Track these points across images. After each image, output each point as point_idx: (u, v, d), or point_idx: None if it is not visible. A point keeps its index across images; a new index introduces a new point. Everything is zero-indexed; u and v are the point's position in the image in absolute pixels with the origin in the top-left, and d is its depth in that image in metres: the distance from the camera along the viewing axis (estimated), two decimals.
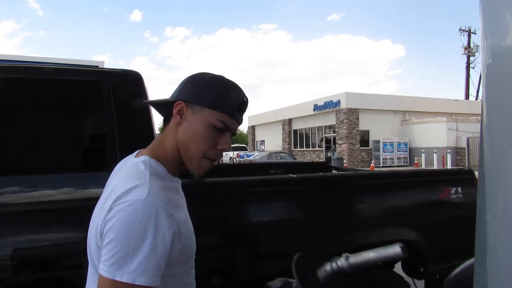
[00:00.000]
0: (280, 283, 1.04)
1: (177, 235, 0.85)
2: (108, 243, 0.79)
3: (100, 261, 0.80)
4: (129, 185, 0.84)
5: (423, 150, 21.57)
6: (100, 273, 0.79)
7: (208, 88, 0.94)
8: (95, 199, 1.37)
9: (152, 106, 1.04)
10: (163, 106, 0.99)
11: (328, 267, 0.91)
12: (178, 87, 0.99)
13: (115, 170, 1.02)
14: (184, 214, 0.96)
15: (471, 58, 34.30)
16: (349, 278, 2.16)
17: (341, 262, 0.91)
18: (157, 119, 22.40)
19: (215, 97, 0.93)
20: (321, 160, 23.37)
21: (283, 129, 31.14)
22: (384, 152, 22.93)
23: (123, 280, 0.76)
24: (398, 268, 2.62)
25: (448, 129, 21.94)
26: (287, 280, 1.02)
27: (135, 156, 0.98)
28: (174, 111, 0.95)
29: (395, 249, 0.93)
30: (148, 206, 0.80)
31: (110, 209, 0.81)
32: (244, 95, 0.99)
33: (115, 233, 0.78)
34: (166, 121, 0.99)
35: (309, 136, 28.85)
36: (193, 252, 0.99)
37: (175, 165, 0.97)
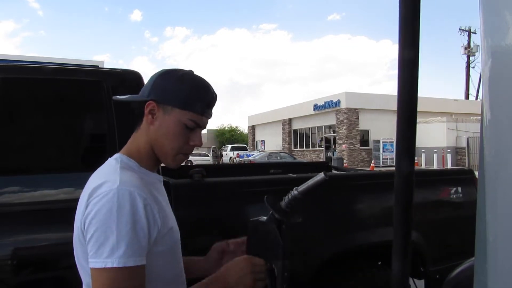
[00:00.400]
0: (265, 216, 1.16)
1: (151, 214, 0.88)
2: (92, 237, 0.82)
3: (89, 256, 0.83)
4: (101, 179, 0.88)
5: (423, 150, 21.57)
6: (91, 267, 0.82)
7: (178, 89, 0.96)
8: None
9: (126, 101, 1.06)
10: (135, 105, 1.02)
11: (286, 198, 1.06)
12: (148, 83, 1.01)
13: None
14: (163, 207, 0.98)
15: (471, 58, 34.30)
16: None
17: (293, 192, 1.17)
18: None
19: (185, 97, 0.96)
20: (321, 160, 23.37)
21: (283, 129, 31.14)
22: (384, 152, 22.93)
23: (115, 265, 0.80)
24: None
25: (448, 129, 21.95)
26: (269, 215, 1.17)
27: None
28: (146, 111, 0.97)
29: (320, 175, 1.23)
30: (121, 193, 0.84)
31: (86, 206, 0.86)
32: (213, 92, 1.01)
33: (96, 225, 0.82)
34: (139, 118, 1.02)
35: (309, 136, 28.86)
36: (177, 243, 1.02)
37: (150, 161, 1.01)
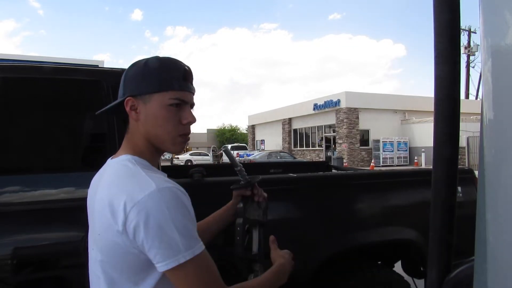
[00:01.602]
0: (243, 181, 1.33)
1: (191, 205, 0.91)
2: (152, 244, 0.82)
3: (156, 262, 0.83)
4: (130, 185, 0.86)
5: (423, 150, 21.57)
6: (164, 270, 0.83)
7: (147, 74, 0.95)
8: None
9: (106, 113, 1.05)
10: (117, 110, 1.00)
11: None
12: (120, 86, 1.00)
13: (95, 182, 1.04)
14: None
15: (471, 58, 34.27)
16: (347, 277, 2.16)
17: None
18: None
19: (156, 79, 0.94)
20: (321, 160, 23.37)
21: (283, 129, 31.14)
22: (384, 151, 22.94)
23: (188, 258, 0.82)
24: (398, 267, 2.62)
25: None
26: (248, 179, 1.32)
27: (113, 158, 1.01)
28: (127, 109, 0.96)
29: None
30: (163, 191, 0.84)
31: (126, 216, 0.83)
32: (183, 65, 0.99)
33: (153, 231, 0.82)
34: (125, 121, 1.01)
35: (309, 136, 28.86)
36: None
37: (152, 158, 1.00)
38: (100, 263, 0.91)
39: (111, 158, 1.02)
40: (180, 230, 0.83)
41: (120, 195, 0.85)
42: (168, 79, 0.95)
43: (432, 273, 0.79)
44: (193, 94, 1.01)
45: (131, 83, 0.97)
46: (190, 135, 1.03)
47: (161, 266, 0.83)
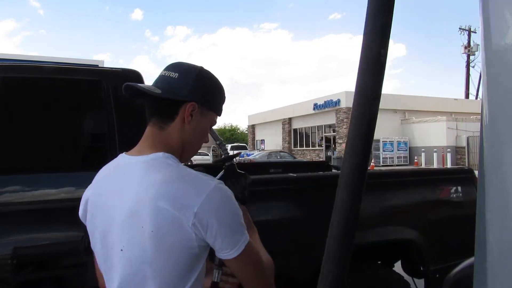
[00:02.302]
0: (224, 154, 1.32)
1: None
2: (226, 234, 0.89)
3: (223, 250, 0.91)
4: (192, 182, 0.91)
5: (423, 149, 21.56)
6: (233, 257, 0.91)
7: (216, 94, 1.05)
8: None
9: (152, 96, 0.97)
10: (165, 101, 0.98)
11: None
12: (182, 80, 0.98)
13: (110, 180, 1.01)
14: None
15: (471, 57, 34.25)
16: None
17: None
18: None
19: (219, 103, 1.06)
20: (321, 159, 23.37)
21: (283, 128, 31.14)
22: (384, 151, 22.93)
23: (248, 239, 0.93)
24: (398, 267, 2.62)
25: (448, 128, 21.94)
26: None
27: (133, 154, 0.99)
28: (187, 112, 0.97)
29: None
30: (221, 188, 0.92)
31: (198, 209, 0.86)
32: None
33: (225, 219, 0.90)
34: (166, 117, 0.98)
35: (309, 135, 28.86)
36: None
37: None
38: (143, 260, 0.90)
39: (129, 154, 1.00)
40: (239, 214, 0.93)
41: (183, 191, 0.89)
42: (221, 105, 1.07)
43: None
44: None
45: (199, 91, 0.99)
46: None
47: (233, 252, 0.91)
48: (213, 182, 0.91)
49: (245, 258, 0.93)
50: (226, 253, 0.91)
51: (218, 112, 1.06)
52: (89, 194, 1.05)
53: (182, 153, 1.01)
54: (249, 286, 0.98)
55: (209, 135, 1.10)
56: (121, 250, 0.92)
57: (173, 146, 0.98)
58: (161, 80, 0.99)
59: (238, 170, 1.30)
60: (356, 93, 0.71)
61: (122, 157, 1.02)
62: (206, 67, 1.05)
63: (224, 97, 1.08)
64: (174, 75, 0.99)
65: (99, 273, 1.07)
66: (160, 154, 0.95)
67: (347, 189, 0.71)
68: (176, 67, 1.02)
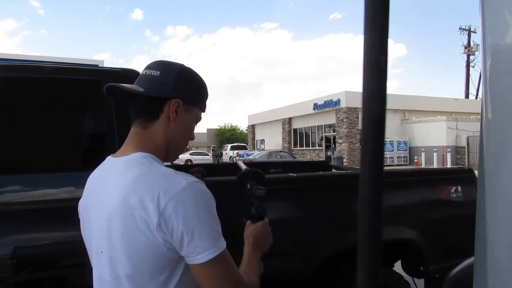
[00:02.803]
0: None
1: None
2: (193, 236, 0.83)
3: (190, 255, 0.84)
4: (162, 181, 0.86)
5: (423, 149, 21.56)
6: (198, 263, 0.84)
7: (199, 90, 1.04)
8: None
9: (135, 95, 0.97)
10: (144, 98, 0.97)
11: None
12: (164, 78, 0.97)
13: (96, 183, 1.01)
14: None
15: (471, 57, 34.25)
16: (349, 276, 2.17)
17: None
18: None
19: (203, 98, 1.06)
20: (321, 159, 23.37)
21: (283, 128, 31.13)
22: (384, 151, 22.92)
23: (223, 248, 0.86)
24: (398, 267, 2.62)
25: (448, 128, 21.94)
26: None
27: (117, 156, 0.98)
28: (171, 109, 0.96)
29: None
30: (194, 186, 0.87)
31: (163, 211, 0.82)
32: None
33: (191, 222, 0.83)
34: (150, 115, 0.97)
35: (309, 135, 28.86)
36: None
37: (161, 158, 0.99)
38: (119, 264, 0.87)
39: (114, 156, 0.99)
40: (214, 219, 0.88)
41: (151, 191, 0.83)
42: (205, 100, 1.07)
43: (362, 275, 0.78)
44: None
45: (184, 87, 0.99)
46: None
47: (201, 257, 0.84)
48: (184, 181, 0.86)
49: (212, 268, 0.85)
50: (193, 257, 0.84)
51: (203, 107, 1.05)
52: (82, 198, 1.05)
53: (167, 151, 1.00)
54: None
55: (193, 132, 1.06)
56: (101, 252, 0.92)
57: (157, 145, 0.97)
58: (143, 79, 0.98)
59: (259, 188, 1.26)
60: (363, 97, 0.73)
61: (108, 159, 1.01)
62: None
63: (207, 93, 1.07)
64: (156, 73, 0.97)
65: None
66: (138, 154, 0.93)
67: (367, 188, 0.74)
68: (157, 65, 1.00)
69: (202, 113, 1.06)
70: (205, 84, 1.07)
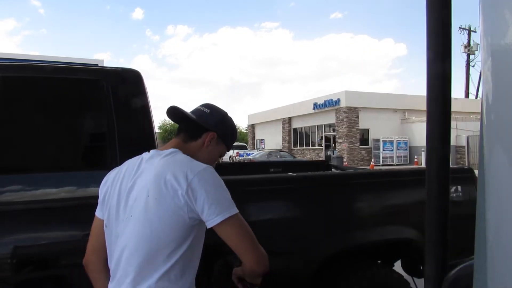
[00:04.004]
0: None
1: None
2: (212, 202, 1.11)
3: (209, 217, 1.11)
4: (187, 162, 1.20)
5: (423, 149, 21.55)
6: (217, 222, 1.10)
7: (231, 133, 1.43)
8: (95, 197, 1.37)
9: (188, 118, 1.34)
10: (194, 124, 1.33)
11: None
12: (211, 116, 1.36)
13: (130, 167, 1.27)
14: None
15: (471, 57, 34.22)
16: (348, 277, 2.17)
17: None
18: (157, 118, 22.23)
19: (231, 140, 1.44)
20: (321, 159, 23.37)
21: (283, 128, 31.13)
22: (384, 150, 22.93)
23: (235, 212, 1.13)
24: (397, 266, 2.62)
25: None
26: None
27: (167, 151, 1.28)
28: (208, 138, 1.33)
29: None
30: (211, 168, 1.20)
31: (190, 182, 1.12)
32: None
33: (212, 190, 1.13)
34: (191, 136, 1.33)
35: (308, 135, 28.86)
36: None
37: None
38: (149, 222, 1.13)
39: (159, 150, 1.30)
40: (227, 192, 1.16)
41: (182, 169, 1.15)
42: (232, 142, 1.44)
43: (430, 272, 0.79)
44: None
45: (222, 128, 1.37)
46: None
47: (218, 218, 1.10)
48: (204, 165, 1.19)
49: (232, 224, 1.12)
50: (212, 219, 1.10)
51: (228, 146, 1.41)
52: (112, 175, 1.31)
53: None
54: (239, 249, 1.14)
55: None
56: (131, 216, 1.16)
57: (189, 154, 1.28)
58: (196, 111, 1.36)
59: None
60: (428, 105, 0.76)
61: (145, 153, 1.29)
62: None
63: (236, 138, 1.48)
64: (207, 110, 1.37)
65: (90, 248, 1.31)
66: (172, 149, 1.26)
67: (435, 184, 0.77)
68: (209, 106, 1.39)
69: (227, 151, 1.44)
70: (236, 132, 1.48)
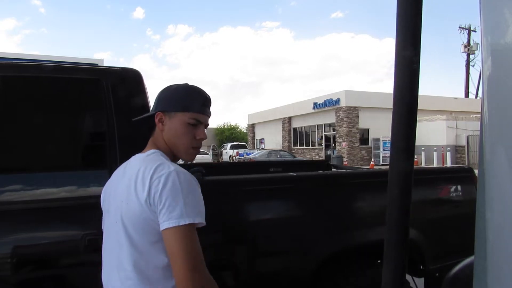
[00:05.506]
0: None
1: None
2: (163, 206, 1.06)
3: (161, 221, 1.06)
4: (154, 165, 1.13)
5: (422, 148, 21.57)
6: (166, 227, 1.05)
7: (175, 97, 1.26)
8: (95, 197, 1.37)
9: (139, 120, 1.35)
10: (147, 119, 1.30)
11: None
12: (154, 102, 1.31)
13: (120, 171, 1.28)
14: None
15: (471, 56, 34.23)
16: (348, 277, 2.17)
17: None
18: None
19: (183, 102, 1.25)
20: (320, 158, 23.37)
21: (283, 127, 31.13)
22: (384, 150, 22.92)
23: (187, 222, 1.05)
24: None
25: (448, 127, 21.95)
26: None
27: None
28: (156, 120, 1.26)
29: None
30: (179, 173, 1.11)
31: (150, 185, 1.09)
32: (205, 95, 1.30)
33: (166, 195, 1.07)
34: (152, 129, 1.30)
35: (308, 134, 28.86)
36: None
37: (171, 157, 1.27)
38: (125, 229, 1.13)
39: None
40: (186, 201, 1.07)
41: (147, 171, 1.11)
42: (190, 103, 1.25)
43: (388, 275, 0.79)
44: (209, 117, 1.31)
45: (161, 101, 1.27)
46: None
47: (164, 225, 1.05)
48: (169, 169, 1.11)
49: (177, 233, 1.04)
50: (162, 222, 1.06)
51: (187, 109, 1.24)
52: (105, 185, 1.33)
53: (171, 150, 1.27)
54: (174, 264, 1.05)
55: (203, 130, 1.29)
56: (116, 222, 1.16)
57: (160, 147, 1.27)
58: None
59: None
60: (394, 99, 0.76)
61: (133, 157, 1.28)
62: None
63: (192, 96, 1.26)
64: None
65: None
66: (152, 150, 1.25)
67: (397, 187, 0.76)
68: None
69: (193, 113, 1.24)
70: (183, 91, 1.27)
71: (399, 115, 0.77)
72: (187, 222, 1.04)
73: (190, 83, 1.32)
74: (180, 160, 1.34)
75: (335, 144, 24.99)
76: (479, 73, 28.15)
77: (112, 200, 1.22)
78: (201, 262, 1.06)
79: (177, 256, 1.03)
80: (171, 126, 1.24)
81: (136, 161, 1.22)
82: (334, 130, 25.14)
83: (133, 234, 1.12)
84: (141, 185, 1.10)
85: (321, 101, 25.69)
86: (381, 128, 23.68)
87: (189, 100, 1.25)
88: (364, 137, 24.51)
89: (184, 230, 1.04)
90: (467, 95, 34.33)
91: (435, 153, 20.51)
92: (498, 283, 0.57)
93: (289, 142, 30.43)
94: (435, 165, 19.77)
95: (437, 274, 2.38)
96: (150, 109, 2.04)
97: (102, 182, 1.43)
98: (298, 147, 29.50)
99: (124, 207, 1.14)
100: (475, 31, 33.45)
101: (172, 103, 1.25)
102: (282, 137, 31.19)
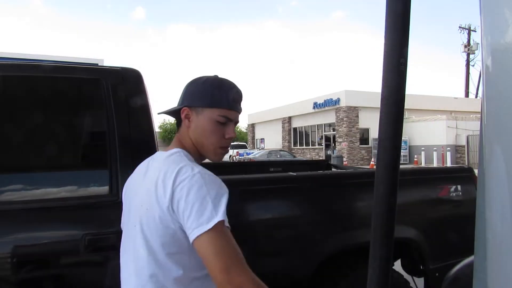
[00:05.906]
0: None
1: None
2: (191, 212, 0.96)
3: (190, 229, 0.96)
4: (176, 167, 1.02)
5: (422, 148, 21.56)
6: (196, 235, 0.94)
7: (203, 91, 1.14)
8: (95, 196, 1.37)
9: (166, 114, 1.23)
10: (174, 113, 1.20)
11: None
12: (181, 95, 1.19)
13: (142, 168, 1.18)
14: None
15: (471, 56, 34.23)
16: (348, 276, 2.17)
17: None
18: (156, 117, 22.25)
19: (211, 97, 1.13)
20: (320, 158, 23.36)
21: (283, 127, 31.13)
22: None
23: (215, 222, 0.94)
24: (397, 266, 2.62)
25: (448, 127, 21.93)
26: None
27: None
28: (182, 117, 1.16)
29: None
30: (204, 175, 1.01)
31: (173, 191, 0.99)
32: (236, 88, 1.18)
33: (192, 201, 0.96)
34: (178, 125, 1.20)
35: (308, 134, 28.85)
36: None
37: (197, 157, 1.17)
38: (144, 237, 1.04)
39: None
40: (214, 204, 0.97)
41: (169, 174, 1.01)
42: (220, 98, 1.13)
43: (373, 278, 0.79)
44: (239, 113, 1.20)
45: (188, 95, 1.16)
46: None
47: (194, 233, 0.94)
48: (193, 172, 1.01)
49: (208, 237, 0.94)
50: (191, 231, 0.95)
51: (217, 105, 1.13)
52: (128, 180, 1.25)
53: (198, 150, 1.17)
54: (209, 270, 0.93)
55: (233, 128, 1.17)
56: (135, 226, 1.08)
57: (186, 146, 1.16)
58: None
59: None
60: (382, 98, 0.77)
61: (158, 153, 1.21)
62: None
63: (221, 90, 1.15)
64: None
65: None
66: (175, 149, 1.13)
67: (383, 185, 0.77)
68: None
69: (223, 109, 1.13)
70: (218, 85, 1.15)
71: (386, 114, 0.78)
72: (216, 222, 0.95)
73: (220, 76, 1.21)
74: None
75: (335, 144, 24.99)
76: (479, 73, 28.14)
77: (133, 201, 1.15)
78: (238, 262, 0.95)
79: (208, 260, 0.93)
80: (198, 123, 1.14)
81: (158, 161, 1.12)
82: (334, 130, 25.14)
83: (152, 243, 1.03)
84: (162, 189, 1.00)
85: (321, 101, 25.69)
86: None
87: (218, 95, 1.13)
88: (364, 137, 24.50)
89: (215, 231, 0.94)
90: (467, 94, 34.33)
91: (435, 153, 20.49)
92: (498, 283, 0.57)
93: (289, 142, 30.42)
94: (435, 165, 19.76)
95: (437, 274, 2.38)
96: (151, 109, 2.06)
97: (102, 182, 1.43)
98: (298, 147, 29.49)
99: (143, 212, 1.05)
100: (475, 31, 33.44)
101: (199, 98, 1.14)
102: (282, 137, 31.18)
